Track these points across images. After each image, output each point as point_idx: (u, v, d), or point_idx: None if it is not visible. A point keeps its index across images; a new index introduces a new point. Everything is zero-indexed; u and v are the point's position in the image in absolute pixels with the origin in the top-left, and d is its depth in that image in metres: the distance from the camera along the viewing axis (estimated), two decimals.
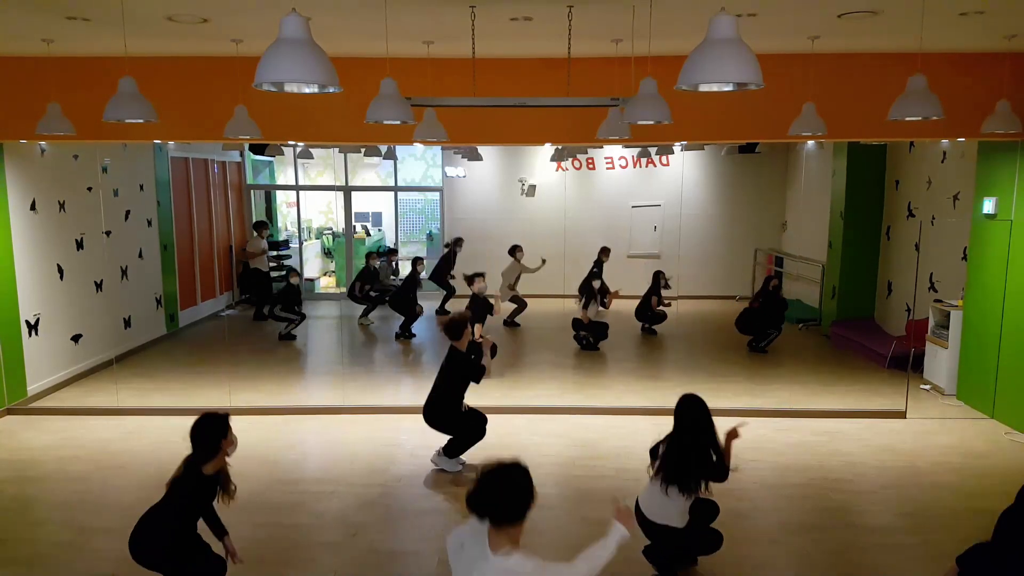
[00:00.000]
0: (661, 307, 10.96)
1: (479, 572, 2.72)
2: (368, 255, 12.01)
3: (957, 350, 8.27)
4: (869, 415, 7.76)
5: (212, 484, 3.93)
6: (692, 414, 4.39)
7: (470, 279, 9.27)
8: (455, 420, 6.20)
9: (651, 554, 4.69)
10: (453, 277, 12.04)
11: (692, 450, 4.34)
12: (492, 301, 9.09)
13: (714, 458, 4.39)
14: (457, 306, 10.48)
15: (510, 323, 11.71)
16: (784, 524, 5.44)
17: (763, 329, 10.18)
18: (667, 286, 11.03)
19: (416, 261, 11.46)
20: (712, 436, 4.38)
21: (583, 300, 10.44)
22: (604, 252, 11.34)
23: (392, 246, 13.41)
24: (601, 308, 10.48)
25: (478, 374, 6.15)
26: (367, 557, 4.95)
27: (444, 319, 6.38)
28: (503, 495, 2.70)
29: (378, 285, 11.86)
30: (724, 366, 9.54)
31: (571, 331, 10.60)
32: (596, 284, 10.44)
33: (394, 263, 12.92)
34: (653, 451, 4.58)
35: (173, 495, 3.87)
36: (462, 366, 6.12)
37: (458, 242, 12.51)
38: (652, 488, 4.43)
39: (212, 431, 3.84)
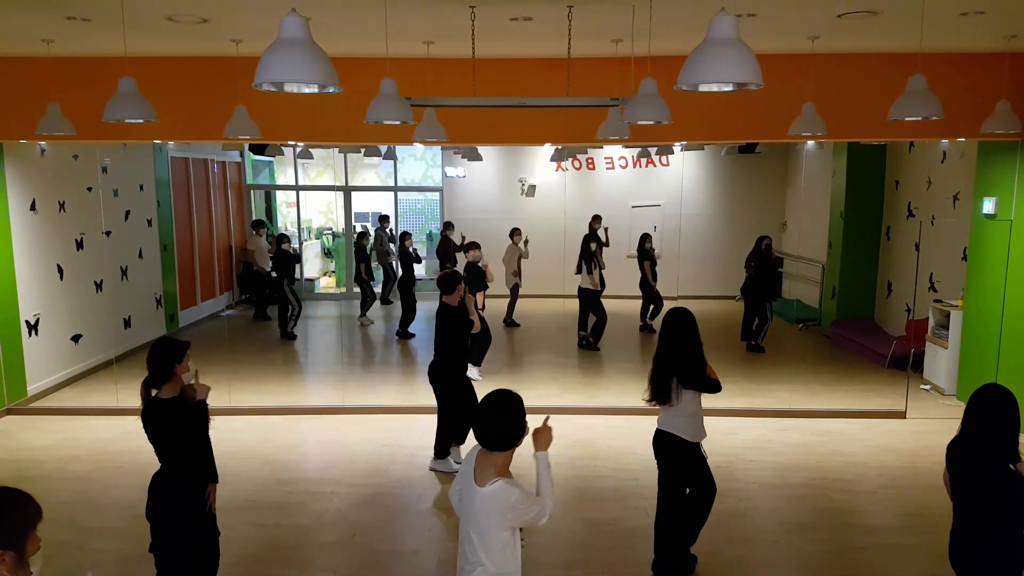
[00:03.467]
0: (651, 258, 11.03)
1: (470, 503, 2.87)
2: (360, 235, 11.98)
3: (957, 350, 8.26)
4: (869, 415, 7.76)
5: (181, 408, 3.76)
6: (668, 327, 4.51)
7: (466, 248, 9.41)
8: (455, 380, 6.29)
9: (659, 567, 4.72)
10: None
11: (670, 360, 4.44)
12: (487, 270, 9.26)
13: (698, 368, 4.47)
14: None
15: (509, 323, 11.70)
16: (784, 524, 5.44)
17: (760, 295, 10.14)
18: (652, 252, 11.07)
19: (404, 236, 11.34)
20: (693, 344, 4.45)
21: (577, 266, 10.41)
22: (596, 219, 11.31)
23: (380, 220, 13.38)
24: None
25: (468, 327, 6.30)
26: (367, 557, 4.95)
27: (439, 274, 6.54)
28: (496, 419, 2.82)
29: (376, 258, 11.82)
30: (724, 366, 9.44)
31: (571, 332, 10.58)
32: (593, 246, 10.31)
33: (388, 229, 12.93)
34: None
35: (158, 431, 3.71)
36: (453, 319, 6.23)
37: (448, 226, 12.52)
38: (662, 408, 4.58)
39: (167, 354, 3.72)
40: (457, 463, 6.31)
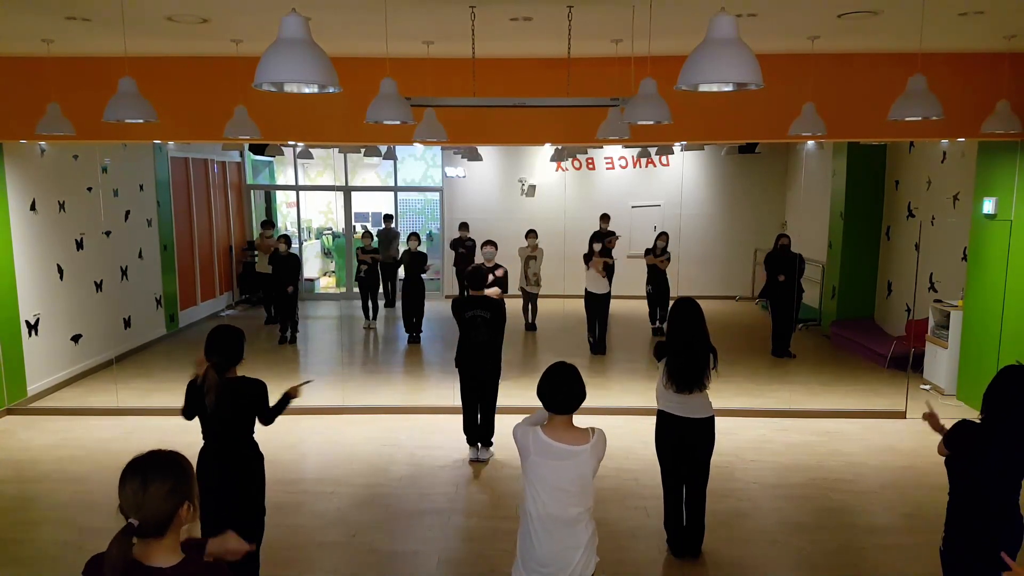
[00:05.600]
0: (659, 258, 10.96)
1: (575, 467, 3.16)
2: (363, 235, 11.93)
3: (957, 350, 8.26)
4: (869, 415, 7.76)
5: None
6: (693, 314, 4.67)
7: (483, 244, 9.68)
8: (500, 363, 6.53)
9: (675, 544, 4.91)
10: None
11: (697, 353, 4.63)
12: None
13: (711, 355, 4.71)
14: None
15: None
16: (784, 524, 5.44)
17: (786, 292, 9.80)
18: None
19: (411, 236, 11.25)
20: (706, 335, 4.69)
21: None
22: (603, 219, 11.24)
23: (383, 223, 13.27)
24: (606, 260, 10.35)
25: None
26: (367, 557, 4.95)
27: (468, 269, 6.64)
28: (567, 387, 3.26)
29: (373, 259, 11.72)
30: (724, 366, 9.37)
31: (572, 332, 10.56)
32: (597, 246, 10.27)
33: (393, 225, 12.88)
34: (659, 351, 4.81)
35: (245, 405, 4.04)
36: (498, 307, 6.44)
37: (464, 227, 12.45)
38: (677, 398, 4.67)
39: (241, 339, 4.07)
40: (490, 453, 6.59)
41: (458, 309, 6.39)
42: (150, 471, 2.01)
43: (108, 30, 5.73)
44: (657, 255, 11.00)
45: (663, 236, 11.11)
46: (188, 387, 4.09)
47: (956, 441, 3.39)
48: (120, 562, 1.92)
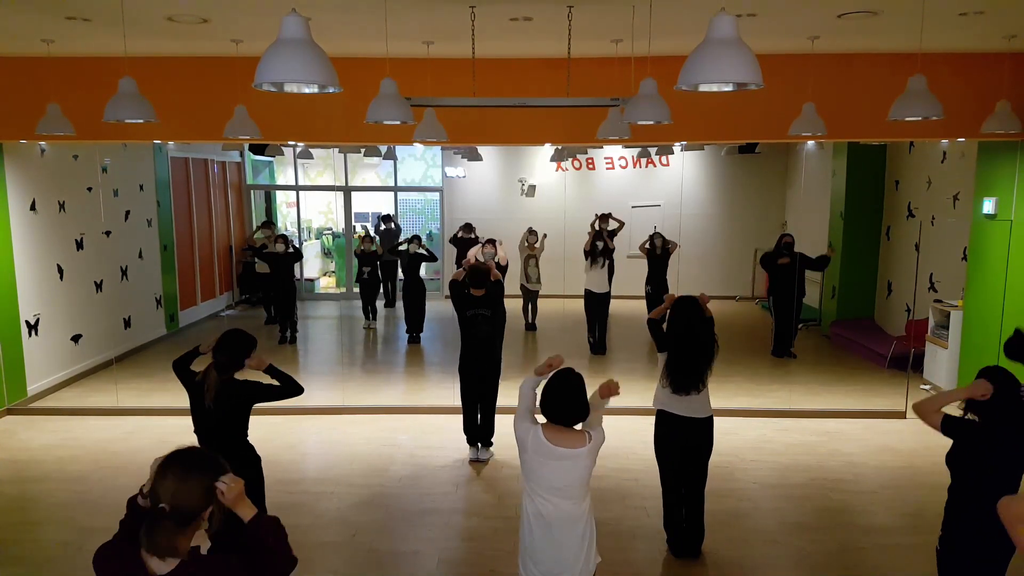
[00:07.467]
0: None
1: (573, 468, 3.25)
2: (363, 239, 11.95)
3: (957, 350, 8.26)
4: (869, 415, 7.77)
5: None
6: (694, 313, 4.68)
7: (484, 243, 9.71)
8: (499, 362, 6.66)
9: (675, 544, 4.91)
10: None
11: (695, 353, 4.63)
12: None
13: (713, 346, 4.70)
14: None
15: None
16: (784, 524, 5.44)
17: (788, 292, 9.75)
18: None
19: (412, 238, 11.22)
20: (709, 331, 4.69)
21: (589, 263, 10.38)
22: (602, 219, 11.32)
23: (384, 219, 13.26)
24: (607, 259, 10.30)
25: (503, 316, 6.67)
26: (367, 557, 4.95)
27: (468, 268, 6.66)
28: (569, 401, 3.36)
29: (376, 258, 11.67)
30: (724, 366, 9.39)
31: (572, 332, 10.56)
32: (600, 244, 10.26)
33: (393, 224, 12.84)
34: (656, 329, 4.86)
35: (245, 407, 4.12)
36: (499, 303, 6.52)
37: (468, 228, 12.44)
38: (676, 397, 4.68)
39: (248, 345, 4.11)
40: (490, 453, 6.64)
41: (460, 303, 6.36)
42: (195, 464, 2.09)
43: (108, 30, 5.73)
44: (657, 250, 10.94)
45: (657, 236, 11.08)
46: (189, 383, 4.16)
47: (954, 431, 3.42)
48: (165, 550, 1.96)
